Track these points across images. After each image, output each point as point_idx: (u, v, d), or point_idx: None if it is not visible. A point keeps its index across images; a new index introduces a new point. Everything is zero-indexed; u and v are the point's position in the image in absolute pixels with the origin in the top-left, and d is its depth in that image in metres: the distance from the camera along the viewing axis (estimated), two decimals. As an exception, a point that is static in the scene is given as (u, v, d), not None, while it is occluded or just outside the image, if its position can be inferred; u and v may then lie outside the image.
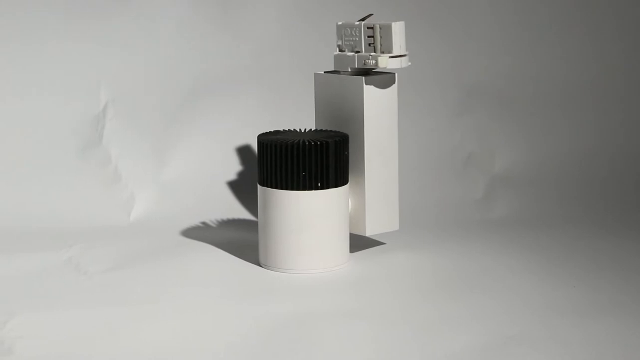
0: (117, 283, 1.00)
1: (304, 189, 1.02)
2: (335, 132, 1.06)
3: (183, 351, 0.85)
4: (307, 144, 1.01)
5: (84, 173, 1.21)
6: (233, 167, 1.26)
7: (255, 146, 1.23)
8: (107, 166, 1.23)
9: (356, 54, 1.05)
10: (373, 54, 1.03)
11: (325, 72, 1.09)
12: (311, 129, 1.08)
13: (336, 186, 1.03)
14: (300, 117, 1.20)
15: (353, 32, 1.05)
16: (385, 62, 1.02)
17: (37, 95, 1.22)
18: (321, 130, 1.07)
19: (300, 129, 1.07)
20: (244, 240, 1.12)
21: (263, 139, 1.04)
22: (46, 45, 1.23)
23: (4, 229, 1.14)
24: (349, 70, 1.06)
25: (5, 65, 1.22)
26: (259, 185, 1.05)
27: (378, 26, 1.03)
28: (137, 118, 1.25)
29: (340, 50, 1.07)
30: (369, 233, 1.07)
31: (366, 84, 1.04)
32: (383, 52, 1.03)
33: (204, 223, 1.18)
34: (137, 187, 1.22)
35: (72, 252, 1.08)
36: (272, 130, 1.08)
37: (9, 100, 1.22)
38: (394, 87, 1.06)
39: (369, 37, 1.04)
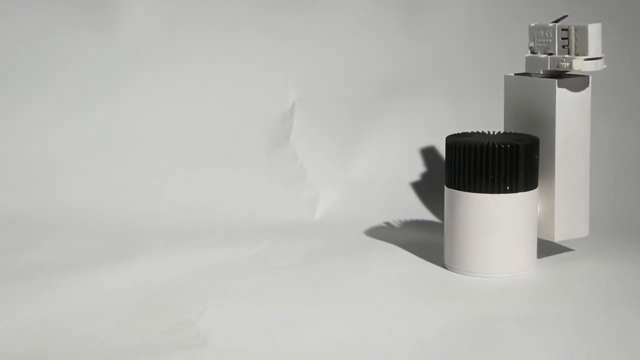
0: (304, 280, 1.01)
1: (492, 191, 1.01)
2: (525, 134, 1.04)
3: (364, 350, 0.85)
4: (497, 146, 1.00)
5: (272, 171, 1.24)
6: (417, 168, 1.26)
7: (440, 147, 1.23)
8: (293, 164, 1.25)
9: (549, 56, 1.03)
10: (567, 55, 1.02)
11: (515, 74, 1.07)
12: (500, 132, 1.07)
13: (525, 190, 1.01)
14: (488, 119, 1.19)
15: (546, 34, 1.03)
16: (579, 65, 1.00)
17: (226, 94, 1.25)
18: (510, 133, 1.06)
19: (488, 131, 1.06)
20: (427, 241, 1.11)
21: (451, 141, 1.03)
22: (236, 40, 1.25)
23: (197, 225, 1.17)
24: (541, 72, 1.04)
25: (195, 63, 1.25)
26: (445, 187, 1.04)
27: (573, 28, 1.01)
28: (324, 117, 1.26)
29: (532, 52, 1.05)
30: (557, 239, 1.05)
31: (559, 87, 1.02)
32: (577, 54, 1.01)
33: (387, 223, 1.18)
34: (322, 185, 1.23)
35: (260, 247, 1.10)
36: (461, 132, 1.07)
37: (200, 99, 1.25)
38: (587, 90, 1.04)
39: (562, 38, 1.02)
